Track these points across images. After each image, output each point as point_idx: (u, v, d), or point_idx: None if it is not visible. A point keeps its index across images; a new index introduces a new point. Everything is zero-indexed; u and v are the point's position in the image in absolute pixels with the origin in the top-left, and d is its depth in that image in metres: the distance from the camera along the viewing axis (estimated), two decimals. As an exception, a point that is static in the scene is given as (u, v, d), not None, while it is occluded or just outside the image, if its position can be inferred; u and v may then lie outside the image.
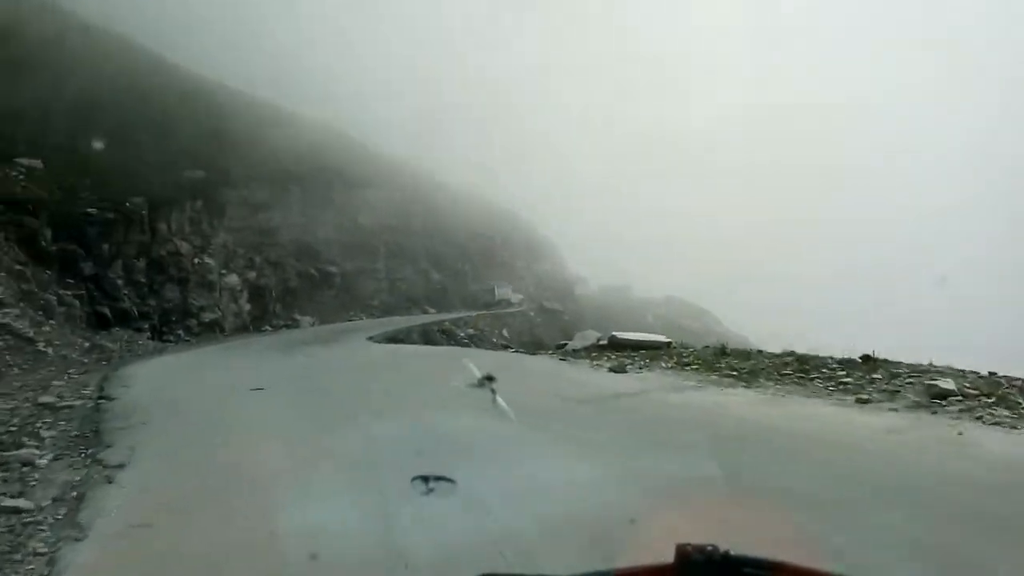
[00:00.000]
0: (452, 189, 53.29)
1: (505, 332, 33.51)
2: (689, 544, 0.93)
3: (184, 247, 27.18)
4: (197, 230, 28.49)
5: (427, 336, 25.82)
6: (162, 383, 13.04)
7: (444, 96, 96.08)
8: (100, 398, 10.41)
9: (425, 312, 42.23)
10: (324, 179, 38.18)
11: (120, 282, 24.02)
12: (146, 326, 24.36)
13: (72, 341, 19.01)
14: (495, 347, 25.90)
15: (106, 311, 22.95)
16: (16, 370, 14.79)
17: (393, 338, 24.12)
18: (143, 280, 25.15)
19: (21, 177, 22.16)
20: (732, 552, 0.92)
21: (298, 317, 32.41)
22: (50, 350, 17.42)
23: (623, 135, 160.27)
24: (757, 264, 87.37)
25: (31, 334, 17.61)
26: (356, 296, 39.24)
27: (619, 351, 14.14)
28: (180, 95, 35.44)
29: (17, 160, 22.72)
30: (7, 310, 17.67)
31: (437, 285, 47.43)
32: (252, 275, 30.79)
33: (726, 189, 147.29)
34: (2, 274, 18.42)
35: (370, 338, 23.16)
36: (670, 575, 0.94)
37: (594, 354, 14.45)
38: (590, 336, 16.27)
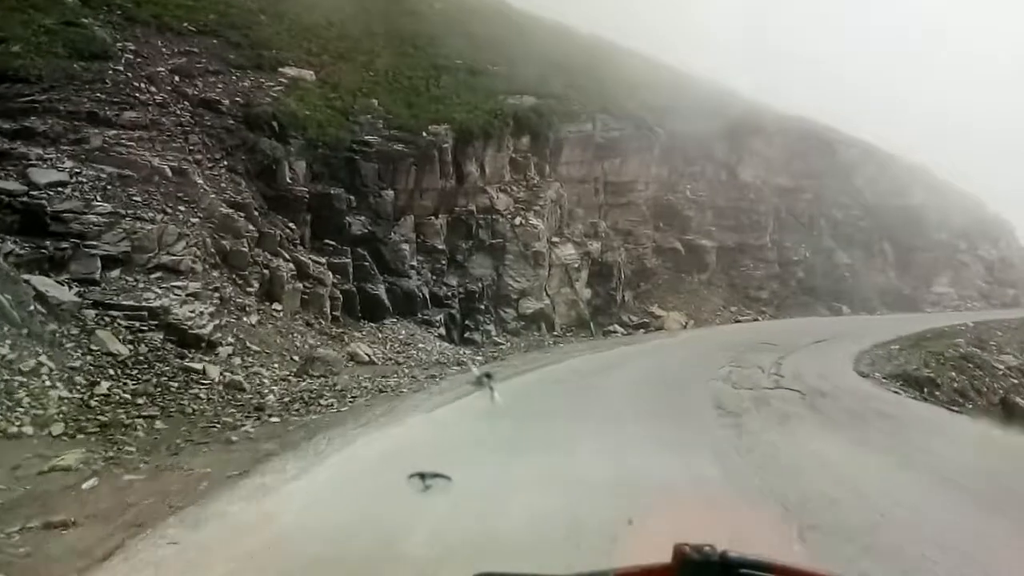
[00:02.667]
0: (862, 144, 37.68)
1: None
2: (687, 544, 0.91)
3: (501, 201, 18.22)
4: (521, 178, 19.42)
5: (963, 369, 12.59)
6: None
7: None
8: None
9: (837, 312, 28.36)
10: (691, 115, 26.64)
11: (407, 248, 15.76)
12: (439, 318, 15.79)
13: (292, 347, 10.62)
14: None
15: (379, 293, 14.77)
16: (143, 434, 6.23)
17: (903, 376, 11.33)
18: (440, 247, 16.68)
19: (279, 88, 14.96)
20: (729, 552, 0.89)
21: (658, 313, 21.63)
22: (230, 373, 8.97)
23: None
24: None
25: (227, 340, 9.42)
26: (735, 284, 27.17)
27: None
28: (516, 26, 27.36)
29: (281, 69, 15.70)
30: (182, 283, 9.75)
31: (845, 271, 32.82)
32: (594, 246, 20.81)
33: None
34: (194, 221, 10.67)
35: (862, 373, 10.98)
36: (668, 575, 0.91)
37: None
38: None
